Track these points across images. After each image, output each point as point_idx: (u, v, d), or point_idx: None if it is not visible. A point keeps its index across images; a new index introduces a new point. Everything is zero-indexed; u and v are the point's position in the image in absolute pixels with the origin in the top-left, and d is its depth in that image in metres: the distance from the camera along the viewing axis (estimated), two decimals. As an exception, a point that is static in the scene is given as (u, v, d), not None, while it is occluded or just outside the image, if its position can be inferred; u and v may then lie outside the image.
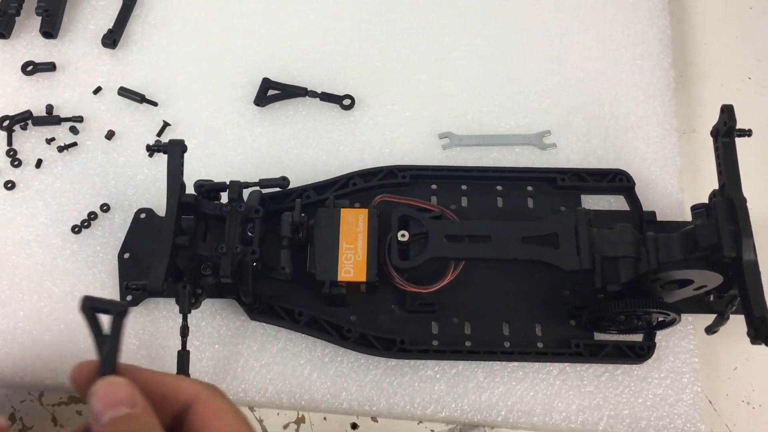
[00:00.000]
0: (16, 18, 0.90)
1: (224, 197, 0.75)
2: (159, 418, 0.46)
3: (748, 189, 0.86)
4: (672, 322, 0.72)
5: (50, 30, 0.89)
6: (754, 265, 0.66)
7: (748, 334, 0.66)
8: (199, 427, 0.47)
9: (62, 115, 0.86)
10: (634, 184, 0.81)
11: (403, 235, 0.73)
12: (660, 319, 0.71)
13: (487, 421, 0.74)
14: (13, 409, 0.76)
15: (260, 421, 0.76)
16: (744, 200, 0.69)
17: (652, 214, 0.80)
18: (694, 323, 0.78)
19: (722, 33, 0.98)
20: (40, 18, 0.89)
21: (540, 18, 0.93)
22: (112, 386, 0.45)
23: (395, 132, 0.87)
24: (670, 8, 0.95)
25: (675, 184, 0.84)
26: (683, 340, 0.77)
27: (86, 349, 0.75)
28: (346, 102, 0.87)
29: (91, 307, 0.46)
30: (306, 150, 0.85)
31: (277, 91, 0.88)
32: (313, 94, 0.87)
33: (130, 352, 0.76)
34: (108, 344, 0.46)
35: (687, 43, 0.97)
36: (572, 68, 0.90)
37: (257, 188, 0.77)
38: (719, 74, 0.95)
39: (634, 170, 0.83)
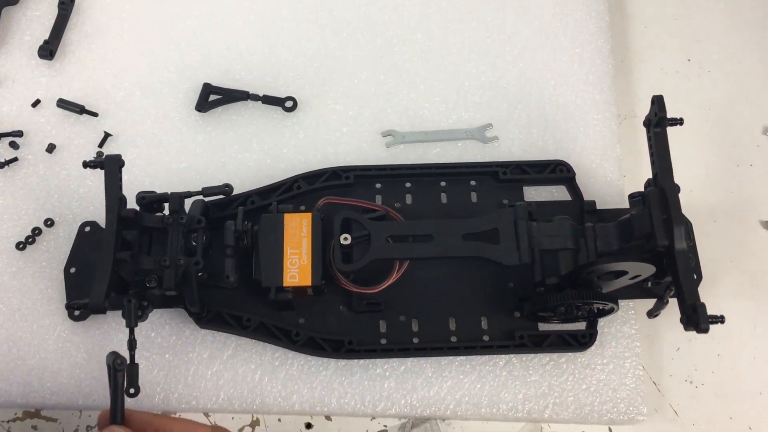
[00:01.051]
0: (-50, 32, 0.89)
1: (167, 208, 0.75)
2: None
3: (689, 172, 0.88)
4: (611, 311, 0.73)
5: (-16, 43, 0.88)
6: (685, 254, 0.68)
7: (681, 320, 0.67)
8: None
9: (1, 130, 0.85)
10: (575, 174, 0.83)
11: (345, 239, 0.73)
12: (599, 307, 0.73)
13: (437, 414, 0.76)
14: (-32, 428, 0.77)
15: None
16: (676, 189, 0.71)
17: (593, 203, 0.81)
18: (635, 308, 0.80)
19: (661, 15, 0.99)
20: (-26, 31, 0.88)
21: (480, 11, 0.93)
22: None
23: (338, 132, 0.87)
24: (608, -7, 0.96)
25: (615, 171, 0.85)
26: (625, 326, 0.79)
27: (35, 365, 0.76)
28: (289, 104, 0.87)
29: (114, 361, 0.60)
30: (250, 154, 0.86)
31: (218, 96, 0.88)
32: (255, 98, 0.87)
33: (79, 365, 0.76)
34: (115, 396, 0.60)
35: (626, 28, 0.97)
36: (512, 60, 0.91)
37: (200, 197, 0.77)
38: (659, 57, 0.96)
39: (575, 159, 0.85)
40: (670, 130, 0.74)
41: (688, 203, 0.84)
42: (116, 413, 0.59)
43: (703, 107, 0.93)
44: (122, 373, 0.61)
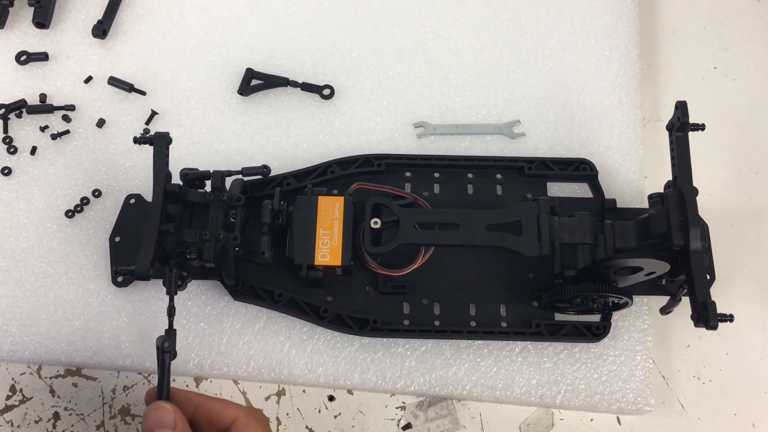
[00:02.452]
0: (10, 9, 0.94)
1: (209, 185, 0.80)
2: None
3: (709, 176, 0.91)
4: (625, 305, 0.77)
5: (42, 21, 0.93)
6: (700, 254, 0.71)
7: (692, 317, 0.71)
8: None
9: (55, 104, 0.90)
10: (597, 172, 0.86)
11: (375, 223, 0.77)
12: (614, 301, 0.76)
13: (453, 394, 0.80)
14: (14, 381, 0.82)
15: (244, 393, 0.82)
16: (694, 192, 0.74)
17: (613, 201, 0.85)
18: (648, 304, 0.83)
19: (691, 22, 1.01)
20: (33, 8, 0.93)
21: (513, 10, 0.96)
22: (159, 410, 0.61)
23: (372, 121, 0.91)
24: (640, -1, 0.99)
25: (636, 172, 0.88)
26: (638, 320, 0.82)
27: (79, 327, 0.81)
28: (326, 92, 0.91)
29: (162, 344, 0.65)
30: (287, 138, 0.90)
31: (260, 81, 0.92)
32: (295, 84, 0.91)
33: (120, 329, 0.81)
34: (162, 375, 0.64)
35: (656, 33, 1.00)
36: (543, 59, 0.94)
37: (240, 176, 0.81)
38: (686, 64, 0.99)
39: (599, 159, 0.88)
40: (693, 135, 0.77)
41: (707, 206, 0.88)
42: (162, 390, 0.64)
43: (726, 114, 0.96)
44: (170, 355, 0.65)
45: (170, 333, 0.75)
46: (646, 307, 0.83)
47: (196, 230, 0.76)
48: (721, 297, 0.84)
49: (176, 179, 0.79)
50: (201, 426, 0.63)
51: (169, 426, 0.60)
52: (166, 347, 0.65)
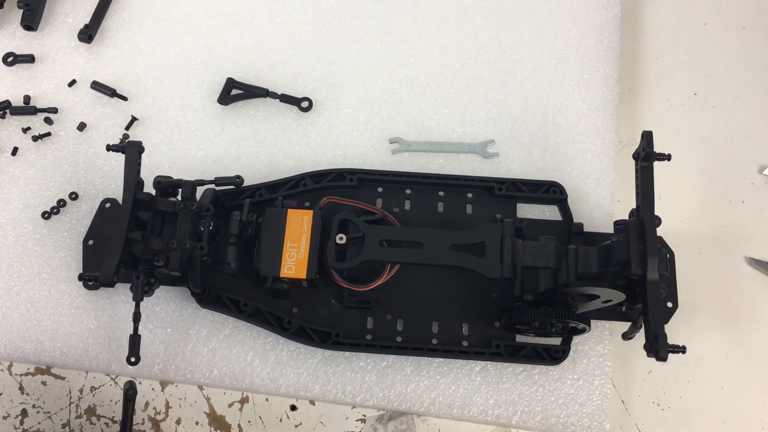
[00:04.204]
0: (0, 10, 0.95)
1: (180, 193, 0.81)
2: None
3: (682, 202, 0.92)
4: (583, 330, 0.78)
5: (30, 23, 0.94)
6: (656, 285, 0.72)
7: (644, 347, 0.72)
8: None
9: (38, 106, 0.92)
10: (567, 196, 0.87)
11: (341, 238, 0.78)
12: (572, 326, 0.77)
13: (412, 410, 0.81)
14: (-15, 377, 0.84)
15: (208, 399, 0.84)
16: (655, 223, 0.74)
17: (580, 225, 0.85)
18: (611, 329, 0.84)
19: (674, 47, 1.01)
20: (22, 11, 0.94)
21: (495, 29, 0.97)
22: None
23: (349, 135, 0.92)
24: (623, 22, 0.99)
25: (607, 196, 0.89)
26: (599, 345, 0.83)
27: (49, 327, 0.83)
28: (305, 104, 0.93)
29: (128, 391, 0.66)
30: (264, 149, 0.91)
31: (240, 91, 0.93)
32: (274, 95, 0.93)
33: (89, 330, 0.83)
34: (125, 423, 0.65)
35: (638, 57, 1.01)
36: (522, 80, 0.95)
37: (212, 186, 0.83)
38: (666, 89, 0.99)
39: (571, 181, 0.89)
40: (668, 161, 0.77)
41: (676, 233, 0.89)
42: None
43: (703, 141, 0.96)
44: (133, 403, 0.65)
45: (135, 338, 0.77)
46: (607, 332, 0.83)
47: (164, 239, 0.77)
48: (685, 324, 0.86)
49: (150, 185, 0.80)
50: None
51: None
52: (130, 395, 0.65)
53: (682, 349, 0.72)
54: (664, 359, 0.69)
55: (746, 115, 0.97)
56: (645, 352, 0.84)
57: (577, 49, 0.96)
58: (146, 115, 0.92)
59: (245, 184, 0.85)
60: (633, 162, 0.93)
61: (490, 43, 0.96)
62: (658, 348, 0.69)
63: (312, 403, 0.83)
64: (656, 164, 0.77)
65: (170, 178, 0.82)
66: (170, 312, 0.84)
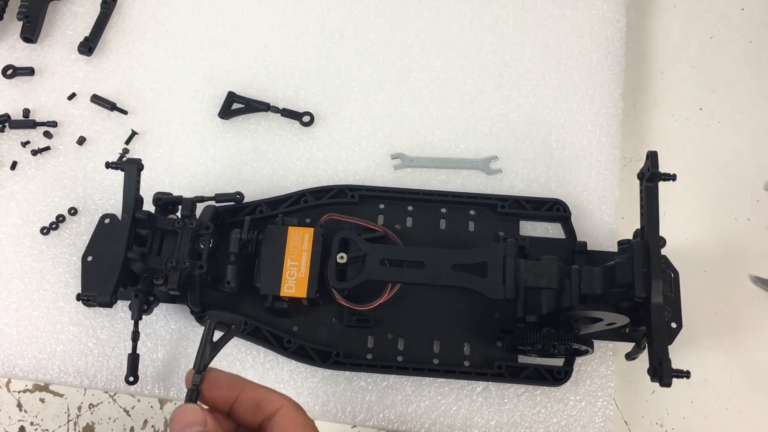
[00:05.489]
0: (-1, 21, 0.95)
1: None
2: (250, 421, 0.56)
3: (686, 219, 0.91)
4: (585, 352, 0.77)
5: (30, 36, 0.94)
6: (660, 308, 0.71)
7: (648, 371, 0.71)
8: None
9: (38, 119, 0.91)
10: (570, 214, 0.86)
11: (341, 257, 0.78)
12: (575, 348, 0.76)
13: (412, 430, 0.80)
14: (-17, 394, 0.83)
15: (207, 417, 0.83)
16: (660, 245, 0.73)
17: (584, 244, 0.84)
18: (614, 350, 0.83)
19: (680, 61, 1.00)
20: (21, 23, 0.94)
21: (499, 44, 0.96)
22: (186, 411, 0.53)
23: (350, 150, 0.91)
24: (628, 36, 0.98)
25: (611, 214, 0.88)
26: (602, 366, 0.82)
27: (47, 344, 0.82)
28: (306, 119, 0.92)
29: (217, 320, 0.57)
30: (264, 164, 0.90)
31: (241, 105, 0.92)
32: (275, 110, 0.92)
33: (88, 348, 0.82)
34: (207, 350, 0.55)
35: (643, 71, 1.00)
36: (525, 95, 0.94)
37: (212, 203, 0.82)
38: (672, 103, 0.98)
39: (574, 199, 0.88)
40: (675, 180, 0.76)
41: (681, 250, 0.88)
42: (200, 364, 0.55)
43: (708, 157, 0.95)
44: (234, 328, 0.58)
45: (133, 357, 0.77)
46: (610, 352, 0.82)
47: (164, 257, 0.77)
48: (689, 344, 0.85)
49: (150, 201, 0.79)
50: (245, 409, 0.57)
51: (199, 424, 0.53)
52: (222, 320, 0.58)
53: (686, 374, 0.71)
54: (668, 385, 0.68)
55: (752, 130, 0.96)
56: (647, 374, 0.84)
57: (582, 64, 0.95)
58: (146, 129, 0.92)
59: (246, 200, 0.84)
60: (638, 178, 0.93)
61: (493, 57, 0.96)
62: (662, 374, 0.68)
63: (312, 422, 0.82)
64: (661, 181, 0.76)
65: (170, 194, 0.81)
66: (170, 330, 0.83)
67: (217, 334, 0.56)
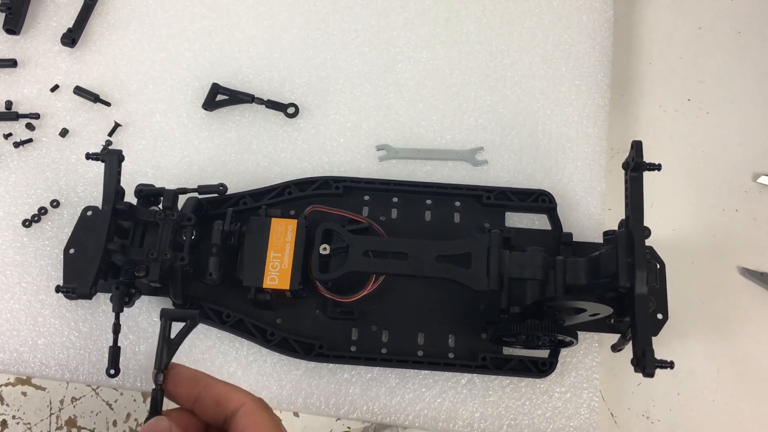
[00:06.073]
0: (-19, 13, 0.94)
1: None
2: (212, 419, 0.54)
3: (674, 210, 0.91)
4: (570, 344, 0.76)
5: (13, 27, 0.93)
6: (644, 298, 0.70)
7: (632, 362, 0.70)
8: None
9: (20, 111, 0.90)
10: (556, 205, 0.85)
11: (324, 249, 0.77)
12: (560, 339, 0.76)
13: (396, 423, 0.80)
14: (-36, 388, 0.83)
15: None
16: (644, 234, 0.73)
17: (569, 235, 0.84)
18: (599, 341, 0.82)
19: (667, 52, 1.00)
20: (4, 14, 0.93)
21: (486, 35, 0.95)
22: (156, 423, 0.53)
23: (335, 142, 0.90)
24: (616, 26, 0.97)
25: (597, 205, 0.87)
26: (587, 357, 0.81)
27: (27, 337, 0.81)
28: (291, 110, 0.91)
29: (170, 317, 0.55)
30: (249, 156, 0.90)
31: (225, 97, 0.91)
32: (260, 101, 0.91)
33: (70, 341, 0.82)
34: (165, 349, 0.55)
35: (630, 62, 0.99)
36: (512, 86, 0.93)
37: (195, 194, 0.81)
38: (660, 94, 0.98)
39: (560, 190, 0.87)
40: (660, 170, 0.76)
41: (668, 242, 0.87)
42: (161, 361, 0.55)
43: (696, 148, 0.95)
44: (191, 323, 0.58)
45: (115, 350, 0.76)
46: (596, 344, 0.82)
47: (145, 249, 0.76)
48: (675, 335, 0.85)
49: (132, 193, 0.79)
50: (206, 407, 0.56)
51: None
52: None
53: (670, 365, 0.70)
54: (651, 375, 0.68)
55: (740, 121, 0.96)
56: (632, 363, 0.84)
57: (569, 54, 0.94)
58: (130, 121, 0.91)
59: (229, 191, 0.83)
60: (622, 168, 0.92)
61: (480, 48, 0.95)
62: (645, 364, 0.68)
63: (296, 415, 0.82)
64: (647, 172, 0.75)
65: (152, 186, 0.81)
66: (152, 323, 0.82)
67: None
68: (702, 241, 0.90)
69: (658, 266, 0.82)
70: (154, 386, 0.54)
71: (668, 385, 0.84)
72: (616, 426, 0.82)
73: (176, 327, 0.55)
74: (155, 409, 0.53)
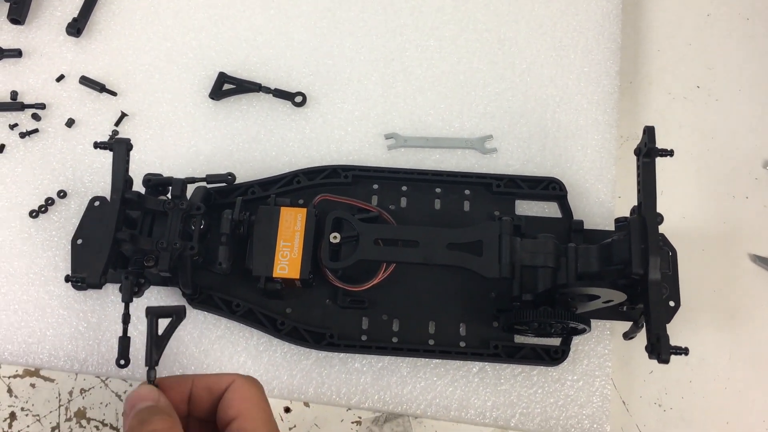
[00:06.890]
0: (-15, 3, 0.93)
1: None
2: (207, 408, 0.58)
3: (684, 198, 0.90)
4: (583, 331, 0.76)
5: (17, 17, 0.92)
6: (658, 285, 0.70)
7: (646, 348, 0.70)
8: (225, 406, 0.58)
9: (26, 101, 0.90)
10: (566, 192, 0.85)
11: (335, 237, 0.77)
12: (572, 326, 0.75)
13: (408, 412, 0.79)
14: (-27, 379, 0.82)
15: (200, 401, 0.82)
16: (658, 221, 0.72)
17: (580, 223, 0.83)
18: (612, 329, 0.82)
19: (676, 39, 0.99)
20: (8, 4, 0.92)
21: (494, 22, 0.95)
22: (140, 389, 0.57)
23: (343, 130, 0.90)
24: (624, 13, 0.96)
25: (608, 192, 0.87)
26: (599, 345, 0.81)
27: (37, 328, 0.81)
28: (298, 99, 0.90)
29: (156, 314, 0.58)
30: (257, 145, 0.89)
31: (232, 86, 0.91)
32: (267, 90, 0.90)
33: (78, 332, 0.81)
34: (154, 345, 0.58)
35: (639, 49, 0.98)
36: (520, 73, 0.92)
37: (203, 184, 0.81)
38: (668, 82, 0.97)
39: (570, 177, 0.87)
40: (673, 156, 0.75)
41: (679, 229, 0.87)
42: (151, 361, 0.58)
43: (706, 135, 0.94)
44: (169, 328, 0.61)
45: (124, 340, 0.75)
46: (608, 331, 0.82)
47: (154, 238, 0.75)
48: (687, 323, 0.84)
49: (140, 183, 0.78)
50: (200, 398, 0.60)
51: (152, 399, 0.56)
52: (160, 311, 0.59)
53: (684, 351, 0.70)
54: (666, 361, 0.67)
55: (750, 108, 0.95)
56: (646, 352, 0.83)
57: (578, 42, 0.94)
58: (136, 111, 0.90)
59: (237, 181, 0.83)
60: (634, 157, 0.91)
61: (488, 36, 0.94)
62: (660, 350, 0.67)
63: (306, 405, 0.81)
64: (658, 160, 0.75)
65: (160, 175, 0.80)
66: (161, 313, 0.82)
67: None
68: (712, 228, 0.90)
69: (670, 253, 0.81)
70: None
71: (680, 374, 0.83)
72: (628, 414, 0.82)
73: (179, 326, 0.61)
74: None
